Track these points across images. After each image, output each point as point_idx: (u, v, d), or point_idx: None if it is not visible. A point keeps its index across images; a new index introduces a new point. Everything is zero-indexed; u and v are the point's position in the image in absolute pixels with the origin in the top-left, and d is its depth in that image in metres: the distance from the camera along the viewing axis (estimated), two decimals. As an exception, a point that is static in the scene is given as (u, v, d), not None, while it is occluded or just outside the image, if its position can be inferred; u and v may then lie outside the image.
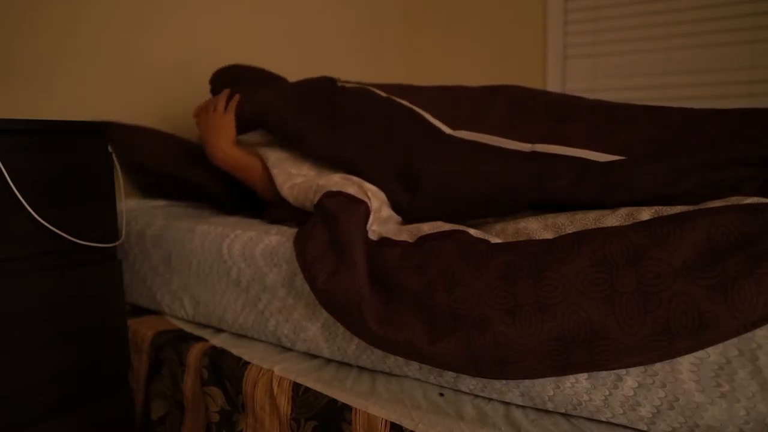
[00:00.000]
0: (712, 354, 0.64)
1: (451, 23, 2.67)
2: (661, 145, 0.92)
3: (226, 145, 1.23)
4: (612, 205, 0.81)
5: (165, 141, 1.43)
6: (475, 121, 1.21)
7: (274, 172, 1.15)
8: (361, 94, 1.24)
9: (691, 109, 1.05)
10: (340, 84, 1.29)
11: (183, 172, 1.31)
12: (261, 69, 1.48)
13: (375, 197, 1.00)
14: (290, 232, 1.01)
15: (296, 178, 1.13)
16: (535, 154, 1.02)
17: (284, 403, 0.89)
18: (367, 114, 1.21)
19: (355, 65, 2.42)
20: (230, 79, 1.40)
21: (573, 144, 1.01)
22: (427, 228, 0.89)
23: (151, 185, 1.50)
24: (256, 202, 1.33)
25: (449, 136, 1.15)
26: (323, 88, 1.26)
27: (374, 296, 0.80)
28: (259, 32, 1.98)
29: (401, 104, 1.21)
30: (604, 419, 0.72)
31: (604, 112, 1.16)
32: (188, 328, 1.13)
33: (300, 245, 0.91)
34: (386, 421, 0.78)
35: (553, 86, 2.45)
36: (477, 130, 1.16)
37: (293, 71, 1.88)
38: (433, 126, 1.17)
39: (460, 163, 1.07)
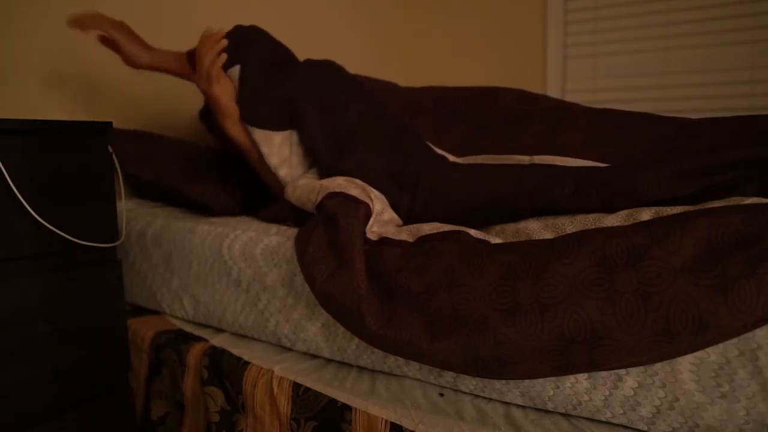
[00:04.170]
0: (712, 354, 0.64)
1: (451, 23, 2.67)
2: (660, 152, 0.91)
3: (234, 123, 1.20)
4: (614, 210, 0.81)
5: (162, 149, 1.38)
6: (473, 141, 1.22)
7: (281, 173, 1.16)
8: (365, 97, 1.23)
9: (687, 118, 1.05)
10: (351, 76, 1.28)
11: (181, 187, 1.27)
12: (278, 46, 1.38)
13: (378, 200, 1.00)
14: (290, 232, 1.01)
15: (301, 179, 1.13)
16: (534, 167, 1.03)
17: (284, 403, 0.89)
18: (371, 118, 1.20)
19: (355, 64, 2.42)
20: (246, 44, 1.30)
21: (570, 153, 1.02)
22: (428, 228, 0.89)
23: (149, 191, 1.49)
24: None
25: (452, 163, 1.17)
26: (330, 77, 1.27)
27: (373, 297, 0.80)
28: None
29: (403, 123, 1.22)
30: (604, 419, 0.72)
31: (601, 120, 1.16)
32: (188, 328, 1.13)
33: (300, 246, 0.91)
34: (386, 421, 0.78)
35: (553, 86, 2.45)
36: (476, 149, 1.18)
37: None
38: (434, 151, 1.18)
39: (461, 170, 1.08)
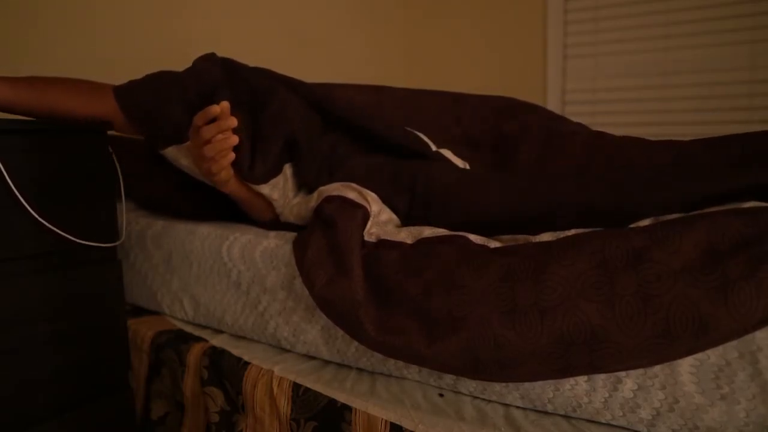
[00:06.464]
0: (712, 356, 0.64)
1: (451, 24, 2.67)
2: (655, 188, 0.90)
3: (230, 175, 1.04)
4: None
5: (149, 161, 1.28)
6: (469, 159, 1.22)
7: (278, 204, 1.13)
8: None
9: (684, 142, 1.04)
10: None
11: (167, 200, 1.25)
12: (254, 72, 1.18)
13: (375, 202, 1.00)
14: (289, 235, 1.01)
15: (293, 200, 1.13)
16: (540, 183, 1.03)
17: (284, 404, 0.89)
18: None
19: (355, 64, 2.42)
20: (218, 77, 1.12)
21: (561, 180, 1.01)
22: (428, 232, 0.89)
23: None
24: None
25: (451, 163, 1.17)
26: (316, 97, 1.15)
27: (371, 302, 0.80)
28: (257, 31, 1.98)
29: (393, 124, 1.19)
30: (605, 421, 0.72)
31: (595, 151, 1.15)
32: (188, 329, 1.13)
33: (299, 251, 0.90)
34: (386, 421, 0.78)
35: (553, 86, 2.45)
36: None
37: (293, 71, 1.88)
38: (431, 149, 1.18)
39: (461, 173, 1.08)
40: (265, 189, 1.10)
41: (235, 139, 0.92)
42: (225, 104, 0.89)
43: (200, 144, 0.93)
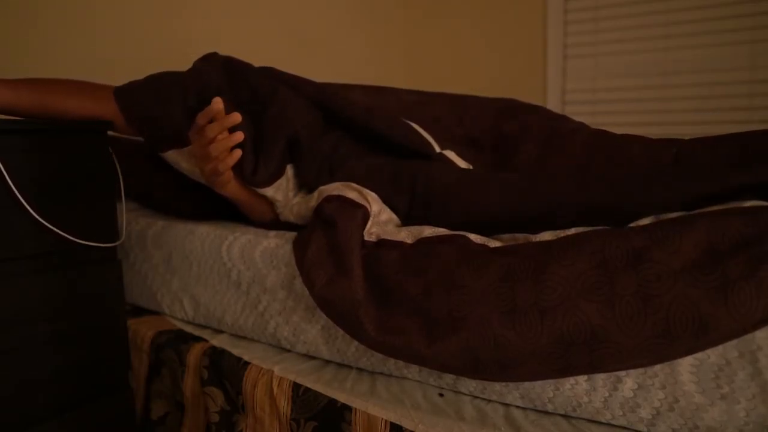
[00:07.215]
0: (712, 355, 0.64)
1: (451, 24, 2.67)
2: (655, 187, 0.90)
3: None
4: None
5: (149, 161, 1.26)
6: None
7: (280, 205, 1.13)
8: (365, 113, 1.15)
9: (684, 141, 1.04)
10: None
11: (167, 200, 1.25)
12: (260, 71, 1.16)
13: (375, 202, 1.00)
14: (289, 235, 1.01)
15: (293, 200, 1.12)
16: (541, 182, 1.03)
17: (284, 404, 0.89)
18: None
19: (355, 64, 2.42)
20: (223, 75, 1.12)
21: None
22: (429, 231, 0.89)
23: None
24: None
25: (452, 163, 1.16)
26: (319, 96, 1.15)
27: (371, 302, 0.80)
28: (257, 31, 1.98)
29: (396, 122, 1.19)
30: (605, 421, 0.72)
31: (595, 150, 1.15)
32: (188, 329, 1.13)
33: (299, 251, 0.90)
34: (386, 421, 0.78)
35: (553, 86, 2.45)
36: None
37: (293, 71, 1.88)
38: (434, 149, 1.17)
39: (461, 172, 1.07)
40: (269, 191, 1.10)
41: (239, 136, 0.91)
42: (218, 99, 0.89)
43: (205, 143, 0.93)
